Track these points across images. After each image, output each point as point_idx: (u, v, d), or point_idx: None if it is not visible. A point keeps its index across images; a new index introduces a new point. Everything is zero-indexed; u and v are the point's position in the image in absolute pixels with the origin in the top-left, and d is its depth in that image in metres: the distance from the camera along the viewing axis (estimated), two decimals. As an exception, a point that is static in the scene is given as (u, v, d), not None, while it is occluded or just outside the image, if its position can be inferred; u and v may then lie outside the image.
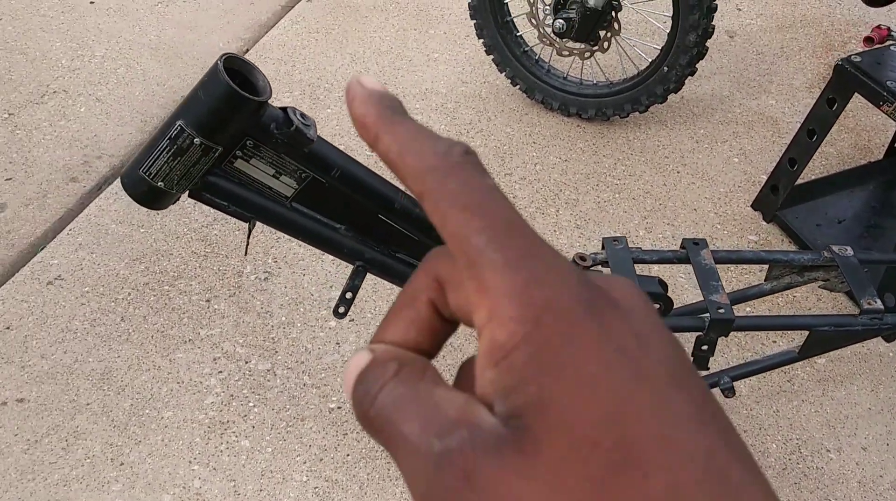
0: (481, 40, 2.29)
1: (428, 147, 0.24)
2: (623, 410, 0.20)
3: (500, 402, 0.22)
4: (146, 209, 1.94)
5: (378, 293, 1.82)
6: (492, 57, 2.31)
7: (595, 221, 2.02)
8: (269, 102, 0.95)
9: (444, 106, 2.36)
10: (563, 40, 2.15)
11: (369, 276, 1.12)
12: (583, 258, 1.15)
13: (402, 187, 1.09)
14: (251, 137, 0.98)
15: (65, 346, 1.71)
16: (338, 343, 1.73)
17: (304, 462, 1.53)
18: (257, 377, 1.67)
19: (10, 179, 2.12)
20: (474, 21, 2.27)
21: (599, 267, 1.19)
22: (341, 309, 1.14)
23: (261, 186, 1.04)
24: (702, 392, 0.22)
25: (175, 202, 1.05)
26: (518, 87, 2.33)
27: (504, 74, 2.32)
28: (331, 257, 1.88)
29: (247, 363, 1.69)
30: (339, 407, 1.61)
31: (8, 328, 1.74)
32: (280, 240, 1.94)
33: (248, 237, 1.07)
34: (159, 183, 0.98)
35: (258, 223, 1.06)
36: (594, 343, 0.21)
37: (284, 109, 0.96)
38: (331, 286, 1.85)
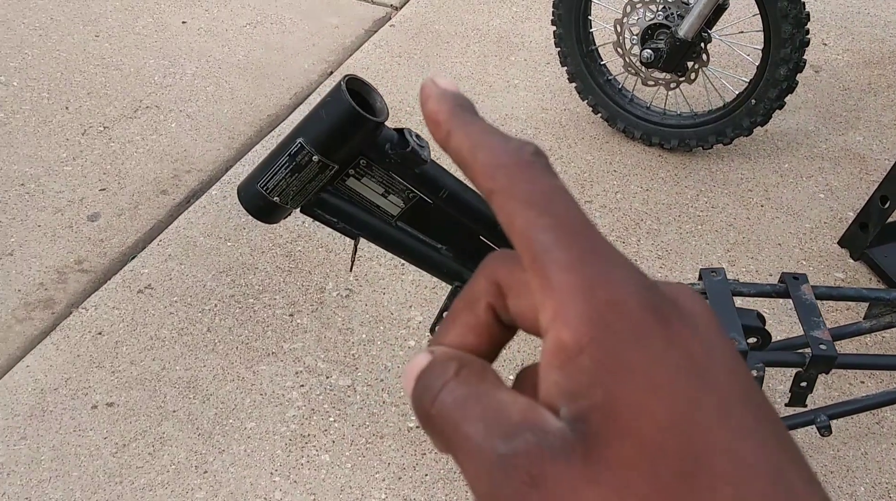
0: (565, 68, 2.30)
1: (499, 145, 0.25)
2: (691, 418, 0.20)
3: (566, 405, 0.21)
4: (233, 223, 1.99)
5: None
6: (574, 85, 2.32)
7: (677, 252, 2.00)
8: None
9: (524, 132, 2.37)
10: (650, 70, 2.15)
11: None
12: (682, 289, 1.14)
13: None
14: (365, 156, 1.00)
15: (153, 353, 1.76)
16: (417, 363, 1.74)
17: (383, 480, 1.54)
18: (338, 392, 1.69)
19: (105, 189, 2.20)
20: (559, 49, 2.29)
21: (698, 298, 1.18)
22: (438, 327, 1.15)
23: (369, 205, 1.06)
24: (767, 407, 0.22)
25: (286, 217, 1.08)
26: (600, 115, 2.33)
27: (586, 101, 2.32)
28: (411, 278, 1.91)
29: (328, 378, 1.72)
30: (418, 427, 1.62)
31: (100, 333, 1.80)
32: (361, 258, 1.97)
33: (354, 254, 1.09)
34: (275, 198, 1.01)
35: (340, 239, 1.08)
36: (662, 348, 0.21)
37: (401, 130, 0.98)
38: (410, 306, 1.86)
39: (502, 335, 0.27)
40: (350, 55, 2.75)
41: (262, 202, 1.02)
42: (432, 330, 1.15)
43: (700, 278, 1.21)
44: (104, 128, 2.41)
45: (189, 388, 1.69)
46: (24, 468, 1.55)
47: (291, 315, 1.84)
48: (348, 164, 1.00)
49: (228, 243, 2.01)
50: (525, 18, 2.91)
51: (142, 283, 1.92)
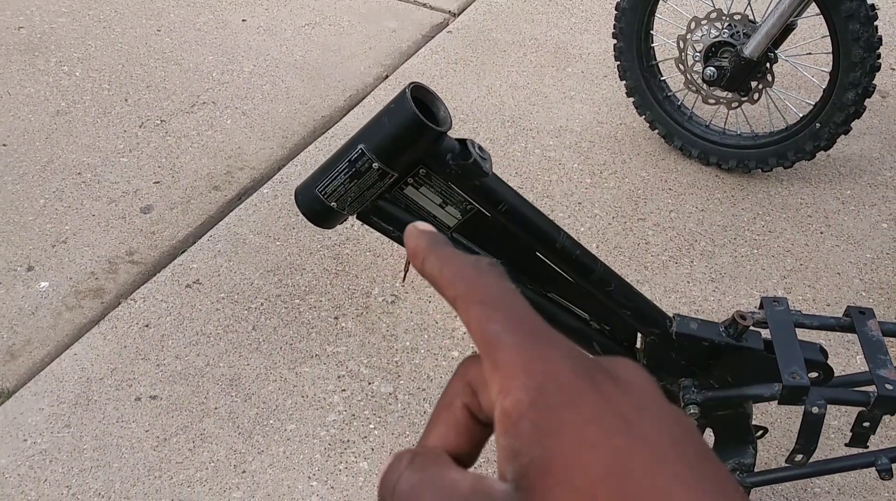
0: (623, 82, 2.27)
1: (461, 261, 0.29)
2: (622, 469, 0.22)
3: (511, 465, 0.24)
4: (283, 223, 1.99)
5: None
6: (632, 99, 2.28)
7: (731, 275, 1.95)
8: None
9: (578, 145, 2.34)
10: (711, 88, 2.10)
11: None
12: (742, 317, 1.11)
13: (563, 228, 1.08)
14: (425, 165, 0.98)
15: (198, 348, 1.76)
16: (460, 374, 1.72)
17: (421, 492, 1.52)
18: (379, 399, 1.67)
19: (158, 182, 2.22)
20: (618, 62, 2.25)
21: (758, 327, 1.14)
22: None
23: (425, 214, 1.04)
24: (703, 457, 0.24)
25: (341, 223, 1.07)
26: (657, 131, 2.29)
27: (643, 117, 2.28)
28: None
29: (370, 384, 1.70)
30: (458, 440, 1.60)
31: (147, 325, 1.81)
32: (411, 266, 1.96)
33: (408, 264, 1.08)
34: (332, 203, 1.00)
35: (388, 244, 1.06)
36: (594, 409, 0.23)
37: (463, 141, 0.96)
38: (455, 316, 1.84)
39: (481, 433, 0.30)
40: (406, 60, 2.74)
41: (319, 207, 1.01)
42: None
43: (761, 306, 1.17)
44: (161, 121, 2.44)
45: (232, 386, 1.69)
46: (67, 455, 1.56)
47: (336, 318, 1.84)
48: (408, 173, 0.99)
49: (277, 243, 2.02)
50: (584, 30, 2.87)
51: (190, 277, 1.93)
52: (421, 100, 0.95)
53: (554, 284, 1.10)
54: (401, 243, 1.07)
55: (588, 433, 0.23)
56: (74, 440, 1.59)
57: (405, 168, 0.98)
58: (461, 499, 0.24)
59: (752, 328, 1.12)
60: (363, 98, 2.56)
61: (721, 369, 1.14)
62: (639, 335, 1.17)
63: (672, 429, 0.24)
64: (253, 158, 2.31)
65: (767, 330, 1.14)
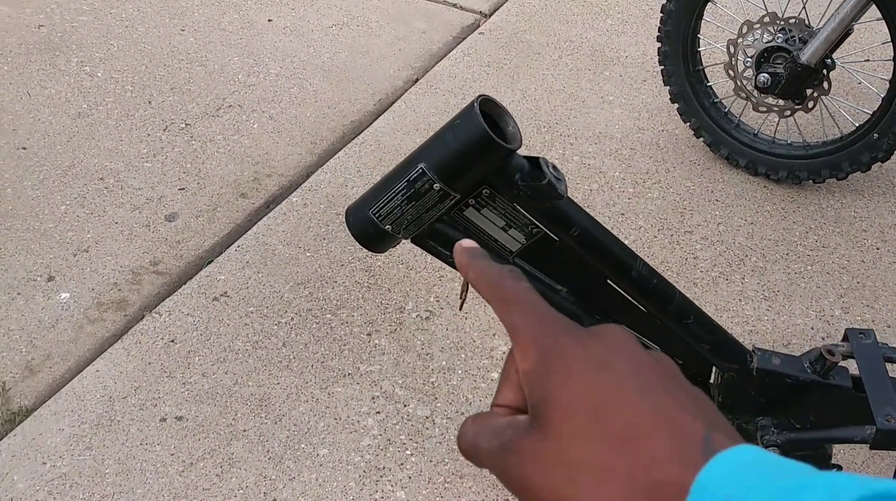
0: (667, 87, 2.17)
1: (490, 272, 0.40)
2: (595, 392, 0.32)
3: (529, 405, 0.34)
4: (313, 233, 1.90)
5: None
6: (676, 106, 2.18)
7: (785, 293, 1.84)
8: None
9: (619, 152, 2.24)
10: (763, 95, 2.00)
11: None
12: (831, 353, 1.01)
13: (640, 255, 0.98)
14: (490, 185, 0.89)
15: (226, 366, 1.68)
16: (501, 397, 1.62)
17: (462, 525, 1.43)
18: (416, 423, 1.58)
19: (184, 189, 2.14)
20: (662, 67, 2.15)
21: (845, 363, 1.05)
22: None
23: (486, 238, 0.95)
24: (659, 377, 0.33)
25: (394, 246, 0.98)
26: (702, 139, 2.19)
27: (688, 124, 2.18)
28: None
29: (405, 406, 1.61)
30: (501, 468, 1.50)
31: (173, 341, 1.73)
32: (443, 278, 1.87)
33: (465, 291, 0.98)
34: (387, 226, 0.91)
35: (421, 257, 0.97)
36: (577, 359, 0.33)
37: (536, 160, 0.87)
38: (494, 334, 1.75)
39: None
40: (437, 62, 2.65)
41: (372, 230, 0.92)
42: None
43: (845, 338, 1.08)
44: (186, 125, 2.36)
45: (261, 406, 1.61)
46: (88, 480, 1.48)
47: (369, 335, 1.75)
48: (470, 193, 0.90)
49: (308, 254, 1.93)
50: (621, 32, 2.77)
51: (218, 290, 1.85)
52: (489, 114, 0.86)
53: (624, 313, 1.00)
54: (457, 268, 0.98)
55: (571, 373, 0.33)
56: (96, 463, 1.51)
57: (468, 189, 0.89)
58: (499, 430, 0.35)
59: (840, 364, 1.02)
60: (393, 102, 2.47)
61: (804, 407, 1.05)
62: (714, 368, 1.08)
63: (638, 365, 0.33)
64: (281, 164, 2.22)
65: (853, 363, 1.04)
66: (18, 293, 1.86)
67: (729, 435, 0.31)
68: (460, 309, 1.00)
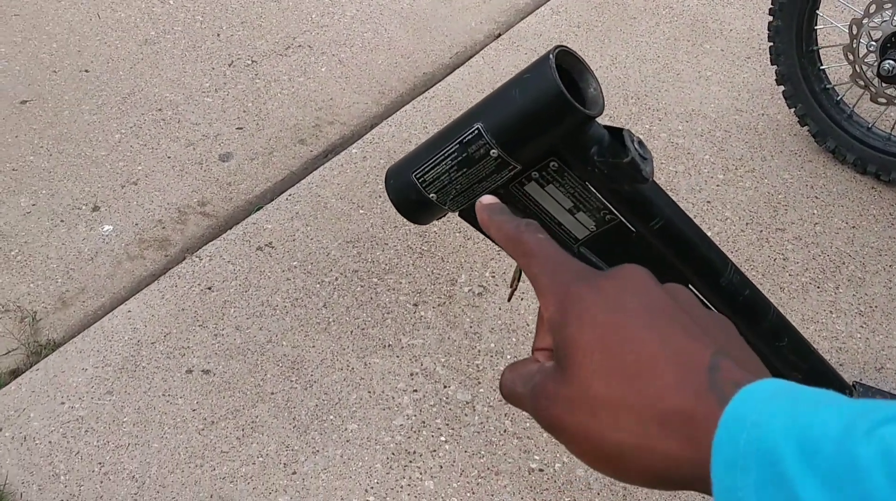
0: (775, 67, 1.94)
1: (509, 227, 0.43)
2: (609, 331, 0.34)
3: (554, 350, 0.37)
4: (369, 189, 1.77)
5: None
6: (782, 88, 1.96)
7: (884, 311, 1.64)
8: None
9: (712, 133, 2.04)
10: (885, 86, 1.76)
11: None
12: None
13: (729, 256, 0.82)
14: (559, 158, 0.74)
15: (261, 321, 1.58)
16: (550, 390, 1.48)
17: (492, 526, 1.30)
18: (454, 407, 1.46)
19: (241, 128, 2.04)
20: (772, 44, 1.93)
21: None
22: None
23: (548, 219, 0.80)
24: (667, 309, 0.35)
25: (439, 219, 0.84)
26: (807, 128, 1.96)
27: (793, 110, 1.96)
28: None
29: (445, 387, 1.49)
30: (541, 470, 1.37)
31: (210, 288, 1.64)
32: (502, 253, 1.72)
33: (517, 279, 0.84)
34: (432, 194, 0.76)
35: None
36: (590, 301, 0.36)
37: (619, 132, 0.71)
38: (551, 319, 1.60)
39: None
40: (523, 18, 2.47)
41: (413, 196, 0.77)
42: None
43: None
44: (252, 62, 2.25)
45: (293, 369, 1.50)
46: (105, 427, 1.41)
47: (415, 305, 1.62)
48: (534, 165, 0.74)
49: (361, 211, 1.81)
50: (727, 3, 2.53)
51: (263, 239, 1.74)
52: (567, 70, 0.70)
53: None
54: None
55: (586, 317, 0.35)
56: (115, 410, 1.43)
57: (532, 159, 0.73)
58: (531, 375, 0.38)
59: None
60: (471, 57, 2.30)
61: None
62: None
63: (649, 300, 0.35)
64: (345, 112, 2.10)
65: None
66: (62, 220, 1.80)
67: (738, 361, 0.32)
68: (509, 300, 0.85)
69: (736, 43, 2.36)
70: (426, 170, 0.76)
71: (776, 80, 1.96)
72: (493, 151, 0.72)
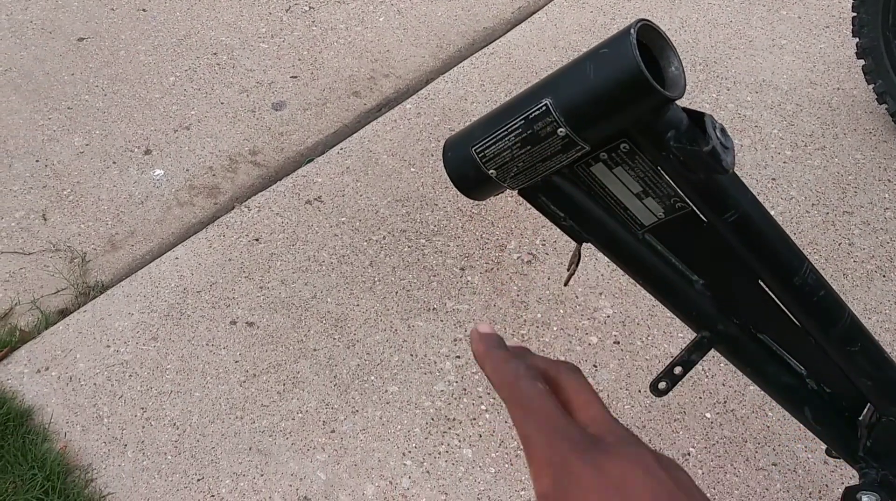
0: (856, 39, 1.84)
1: (506, 369, 0.39)
2: None
3: None
4: (421, 147, 1.73)
5: (655, 318, 1.51)
6: (863, 62, 1.85)
7: (953, 305, 1.56)
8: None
9: (782, 106, 1.95)
10: (977, 64, 1.65)
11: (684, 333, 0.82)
12: None
13: (796, 242, 0.77)
14: (631, 140, 0.69)
15: (307, 277, 1.57)
16: (595, 366, 1.45)
17: None
18: (497, 376, 1.43)
19: (296, 77, 2.00)
20: (855, 14, 1.82)
21: None
22: (662, 385, 0.84)
23: (614, 203, 0.76)
24: (665, 493, 0.33)
25: (497, 195, 0.80)
26: (885, 106, 1.86)
27: (872, 86, 1.85)
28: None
29: (489, 355, 1.46)
30: (581, 446, 1.34)
31: (257, 240, 1.63)
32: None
33: (575, 263, 0.80)
34: (492, 170, 0.72)
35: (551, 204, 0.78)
36: (592, 487, 0.33)
37: (700, 117, 0.66)
38: (600, 293, 1.56)
39: None
40: (591, -26, 2.37)
41: (472, 172, 0.73)
42: (653, 387, 0.85)
43: None
44: (310, 7, 2.21)
45: (336, 327, 1.49)
46: (148, 373, 1.42)
47: (463, 269, 1.59)
48: (603, 146, 0.70)
49: (412, 169, 1.77)
50: (808, -34, 2.40)
51: (312, 193, 1.72)
52: (647, 47, 0.65)
53: (772, 325, 0.80)
54: (570, 234, 0.79)
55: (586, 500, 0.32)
56: (159, 356, 1.44)
57: (602, 140, 0.69)
58: None
59: None
60: (534, 12, 2.23)
61: (979, 478, 0.82)
62: (868, 405, 0.86)
63: (653, 493, 0.32)
64: (401, 65, 2.05)
65: None
66: (114, 162, 1.80)
67: None
68: (565, 285, 0.82)
69: (815, 10, 2.23)
70: (487, 145, 0.72)
71: (856, 53, 1.86)
72: (560, 129, 0.67)
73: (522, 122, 0.69)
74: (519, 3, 2.26)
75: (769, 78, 2.02)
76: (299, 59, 2.04)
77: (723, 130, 0.66)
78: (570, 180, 0.75)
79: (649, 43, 0.66)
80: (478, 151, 0.72)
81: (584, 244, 0.81)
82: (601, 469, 0.33)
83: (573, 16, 2.20)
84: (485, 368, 0.40)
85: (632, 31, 0.62)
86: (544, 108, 0.67)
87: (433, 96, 1.94)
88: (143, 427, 1.35)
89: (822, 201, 1.73)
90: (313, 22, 2.16)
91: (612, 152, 0.71)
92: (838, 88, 2.00)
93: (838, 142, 1.87)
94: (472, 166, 0.74)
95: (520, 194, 0.77)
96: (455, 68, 2.03)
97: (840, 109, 1.95)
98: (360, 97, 1.95)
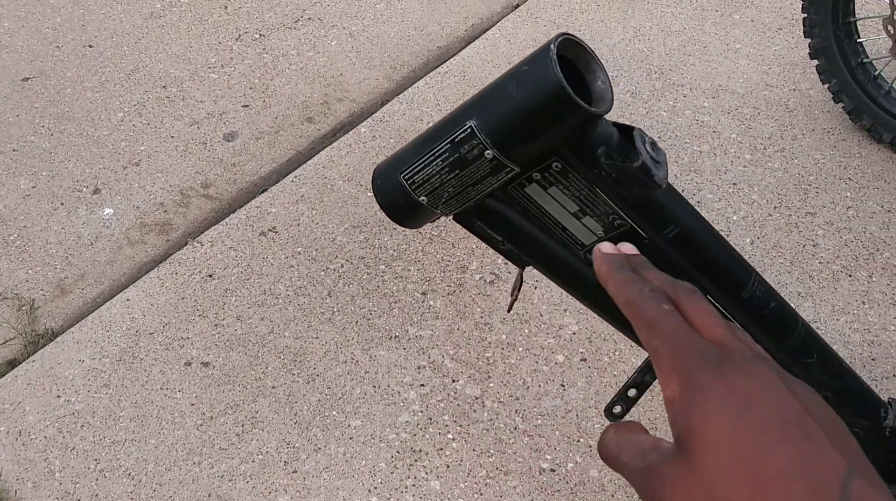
0: (808, 39, 1.83)
1: (630, 290, 0.40)
2: (734, 431, 0.32)
3: (673, 432, 0.35)
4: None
5: (621, 335, 1.47)
6: (816, 62, 1.85)
7: (921, 301, 1.54)
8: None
9: (740, 110, 1.93)
10: (928, 59, 1.65)
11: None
12: None
13: (756, 270, 0.74)
14: (563, 159, 0.66)
15: (263, 311, 1.52)
16: (563, 385, 1.41)
17: (499, 531, 1.25)
18: (463, 403, 1.39)
19: (247, 106, 1.97)
20: (806, 14, 1.81)
21: None
22: (617, 409, 0.81)
23: (552, 224, 0.72)
24: (796, 418, 0.33)
25: (432, 222, 0.76)
26: (841, 105, 1.85)
27: (827, 86, 1.85)
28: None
29: (454, 382, 1.42)
30: (552, 470, 1.31)
31: (211, 275, 1.58)
32: (517, 238, 1.64)
33: (517, 288, 0.77)
34: (422, 197, 0.69)
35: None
36: (718, 395, 0.34)
37: (629, 131, 0.63)
38: (564, 310, 1.53)
39: None
40: (542, -12, 2.36)
41: (402, 199, 0.70)
42: (608, 411, 0.81)
43: None
44: (260, 35, 2.17)
45: (295, 362, 1.45)
46: (101, 422, 1.36)
47: (424, 294, 1.55)
48: (534, 166, 0.67)
49: (369, 194, 1.74)
50: (759, -31, 2.40)
51: (266, 224, 1.68)
52: (571, 61, 0.62)
53: (724, 340, 0.77)
54: (510, 258, 0.76)
55: (712, 410, 0.33)
56: (112, 403, 1.39)
57: (532, 161, 0.66)
58: (644, 451, 0.36)
59: None
60: (487, 29, 2.21)
61: (950, 486, 0.79)
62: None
63: (778, 405, 0.33)
64: (354, 88, 2.02)
65: None
66: (62, 203, 1.75)
67: (869, 480, 0.31)
68: (508, 311, 0.78)
69: (767, 13, 2.23)
70: (416, 171, 0.69)
71: (809, 53, 1.85)
72: (487, 151, 0.64)
73: (449, 146, 0.66)
74: (472, 20, 2.24)
75: (725, 83, 2.01)
76: (251, 88, 2.01)
77: (653, 144, 0.63)
78: (504, 203, 0.71)
79: (573, 58, 0.63)
80: (406, 177, 0.69)
81: (526, 268, 0.78)
82: (728, 380, 0.34)
83: (526, 31, 2.18)
84: (608, 286, 0.42)
85: (552, 46, 0.59)
86: (469, 130, 0.64)
87: (388, 118, 1.91)
88: (97, 480, 1.30)
89: (784, 204, 1.71)
90: (264, 49, 2.12)
91: (544, 172, 0.68)
92: (794, 89, 2.00)
93: (797, 143, 1.85)
94: (401, 194, 0.70)
95: (454, 219, 0.74)
96: (409, 89, 2.00)
97: (797, 109, 1.94)
98: (314, 123, 1.92)
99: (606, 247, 0.45)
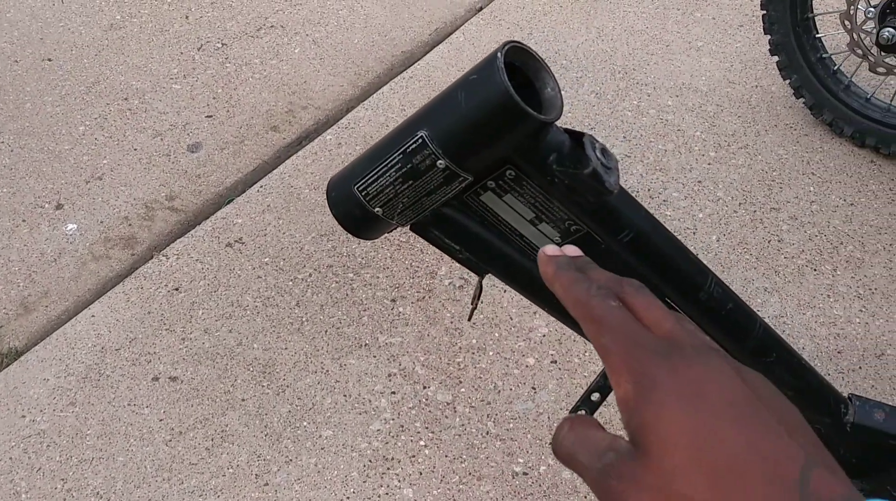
0: (768, 36, 1.85)
1: (577, 289, 0.39)
2: (689, 423, 0.32)
3: (627, 431, 0.34)
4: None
5: (592, 334, 1.48)
6: (776, 59, 1.87)
7: (884, 293, 1.56)
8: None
9: (703, 108, 1.95)
10: (885, 55, 1.67)
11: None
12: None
13: (713, 272, 0.74)
14: (515, 166, 0.66)
15: (231, 323, 1.51)
16: (534, 388, 1.42)
17: (474, 536, 1.24)
18: (434, 409, 1.39)
19: (211, 116, 1.95)
20: (764, 12, 1.83)
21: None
22: (582, 412, 0.81)
23: (509, 231, 0.72)
24: (748, 402, 0.32)
25: (388, 233, 0.76)
26: (802, 100, 1.87)
27: (788, 81, 1.87)
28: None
29: (425, 388, 1.42)
30: (525, 473, 1.31)
31: (177, 289, 1.57)
32: (485, 241, 1.64)
33: (478, 298, 0.76)
34: (377, 208, 0.69)
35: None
36: (670, 389, 0.33)
37: (579, 137, 0.63)
38: (534, 313, 1.53)
39: None
40: (506, -10, 2.36)
41: (357, 211, 0.70)
42: (574, 412, 0.81)
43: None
44: (222, 45, 2.16)
45: (264, 374, 1.43)
46: (68, 441, 1.34)
47: (394, 301, 1.55)
48: (488, 175, 0.67)
49: (335, 202, 1.73)
50: (719, -33, 2.42)
51: (232, 235, 1.67)
52: (519, 68, 0.62)
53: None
54: (469, 266, 0.76)
55: (665, 404, 0.33)
56: (78, 422, 1.37)
57: (485, 169, 0.66)
58: (601, 450, 0.35)
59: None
60: (451, 33, 2.21)
61: (910, 477, 0.80)
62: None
63: (733, 394, 0.33)
64: (319, 95, 2.01)
65: None
66: (24, 220, 1.72)
67: (827, 468, 0.31)
68: (469, 319, 0.78)
69: (728, 10, 2.26)
70: (369, 182, 0.68)
71: (770, 50, 1.87)
72: (440, 161, 0.64)
73: (401, 156, 0.65)
74: (436, 24, 2.24)
75: (688, 81, 2.03)
76: (214, 98, 1.99)
77: (604, 150, 0.63)
78: (461, 211, 0.71)
79: (522, 65, 0.63)
80: (360, 189, 0.69)
81: (486, 276, 0.78)
82: (679, 373, 0.34)
83: (490, 33, 2.18)
84: (554, 288, 0.41)
85: (499, 54, 0.59)
86: (420, 140, 0.64)
87: (354, 125, 1.91)
88: (65, 500, 1.27)
89: (748, 200, 1.73)
90: (227, 59, 2.11)
91: (498, 180, 0.68)
92: (756, 86, 2.02)
93: (760, 139, 1.87)
94: (356, 206, 0.70)
95: (411, 229, 0.74)
96: (374, 95, 2.00)
97: (760, 106, 1.96)
98: (279, 132, 1.91)
99: (550, 249, 0.43)
